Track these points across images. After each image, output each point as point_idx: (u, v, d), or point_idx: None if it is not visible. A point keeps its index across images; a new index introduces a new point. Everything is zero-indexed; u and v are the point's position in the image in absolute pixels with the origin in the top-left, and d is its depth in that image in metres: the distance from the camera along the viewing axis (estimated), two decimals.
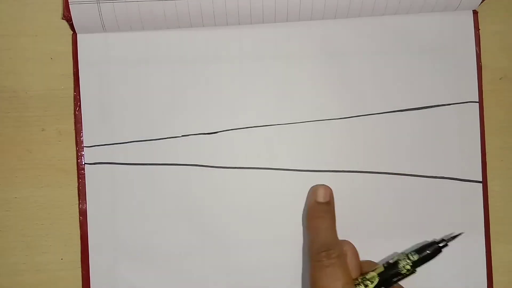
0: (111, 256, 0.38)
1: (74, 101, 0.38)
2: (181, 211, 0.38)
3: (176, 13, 0.37)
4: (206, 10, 0.37)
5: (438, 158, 0.39)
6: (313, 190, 0.37)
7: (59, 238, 0.38)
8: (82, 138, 0.38)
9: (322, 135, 0.38)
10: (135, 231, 0.38)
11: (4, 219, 0.38)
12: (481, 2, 0.38)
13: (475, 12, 0.39)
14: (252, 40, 0.38)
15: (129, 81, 0.38)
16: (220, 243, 0.38)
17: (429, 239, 0.36)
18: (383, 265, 0.34)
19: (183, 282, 0.38)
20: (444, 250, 0.35)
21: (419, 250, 0.34)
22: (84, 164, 0.38)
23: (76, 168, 0.38)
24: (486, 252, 0.38)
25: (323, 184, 0.37)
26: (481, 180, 0.39)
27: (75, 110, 0.38)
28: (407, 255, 0.34)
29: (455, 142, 0.39)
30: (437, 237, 0.36)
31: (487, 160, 0.39)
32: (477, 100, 0.39)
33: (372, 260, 0.37)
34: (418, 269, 0.34)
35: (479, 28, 0.39)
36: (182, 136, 0.38)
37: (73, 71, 0.38)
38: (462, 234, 0.36)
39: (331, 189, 0.37)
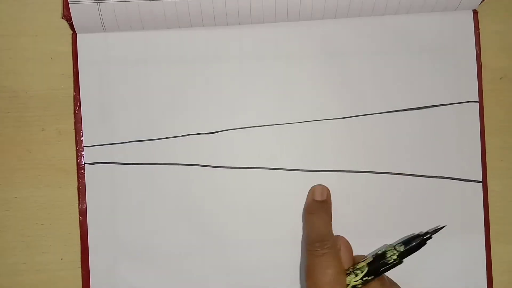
0: (111, 256, 0.38)
1: (74, 101, 0.38)
2: (181, 211, 0.38)
3: (176, 13, 0.37)
4: (206, 10, 0.37)
5: (438, 158, 0.39)
6: (312, 190, 0.38)
7: (59, 238, 0.38)
8: (82, 138, 0.38)
9: (322, 135, 0.38)
10: (135, 231, 0.38)
11: (4, 219, 0.38)
12: (481, 2, 0.38)
13: (475, 12, 0.39)
14: (252, 40, 0.38)
15: (129, 81, 0.38)
16: (220, 243, 0.38)
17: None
18: (372, 256, 0.36)
19: (183, 282, 0.38)
20: (444, 249, 0.36)
21: (406, 242, 0.36)
22: (84, 164, 0.38)
23: (76, 168, 0.38)
24: (486, 252, 0.38)
25: (321, 184, 0.38)
26: (481, 180, 0.39)
27: (75, 110, 0.38)
28: (394, 246, 0.35)
29: (455, 142, 0.39)
30: (436, 237, 0.36)
31: (487, 160, 0.39)
32: (477, 100, 0.39)
33: (364, 255, 0.38)
34: (418, 269, 0.35)
35: (479, 28, 0.39)
36: (182, 136, 0.38)
37: (73, 71, 0.38)
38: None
39: (328, 189, 0.38)
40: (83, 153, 0.38)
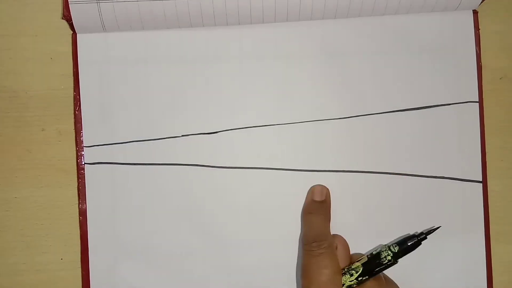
0: (111, 256, 0.38)
1: (74, 101, 0.38)
2: (181, 211, 0.38)
3: (176, 13, 0.37)
4: (206, 10, 0.37)
5: (438, 158, 0.39)
6: (311, 189, 0.38)
7: (59, 238, 0.38)
8: (82, 138, 0.38)
9: (322, 135, 0.38)
10: (135, 231, 0.38)
11: (4, 219, 0.38)
12: (481, 2, 0.38)
13: (475, 12, 0.39)
14: (252, 40, 0.38)
15: (129, 81, 0.38)
16: (220, 243, 0.38)
17: (429, 238, 0.36)
18: (367, 256, 0.36)
19: (183, 282, 0.38)
20: (444, 249, 0.36)
21: (400, 242, 0.36)
22: (84, 164, 0.38)
23: (76, 168, 0.38)
24: (486, 252, 0.38)
25: (321, 184, 0.38)
26: (481, 180, 0.39)
27: (75, 110, 0.38)
28: (389, 247, 0.36)
29: (455, 142, 0.39)
30: (436, 237, 0.36)
31: (487, 160, 0.39)
32: (477, 100, 0.39)
33: (362, 253, 0.38)
34: (418, 269, 0.35)
35: (479, 28, 0.39)
36: (182, 136, 0.38)
37: (73, 71, 0.38)
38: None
39: (328, 189, 0.38)
40: (83, 153, 0.38)
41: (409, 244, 0.35)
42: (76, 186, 0.38)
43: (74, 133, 0.38)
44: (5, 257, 0.38)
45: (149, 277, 0.38)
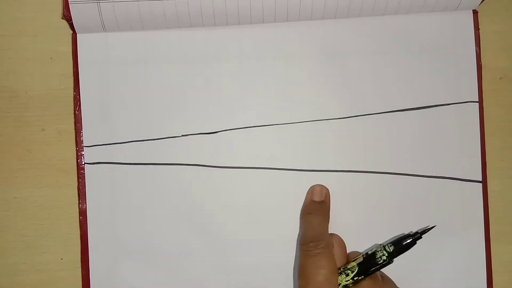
0: (111, 256, 0.38)
1: (74, 101, 0.38)
2: (181, 211, 0.38)
3: (176, 13, 0.37)
4: (206, 10, 0.37)
5: (438, 158, 0.39)
6: (311, 189, 0.38)
7: (59, 238, 0.38)
8: (82, 138, 0.38)
9: (322, 135, 0.38)
10: (135, 231, 0.38)
11: (4, 219, 0.38)
12: (481, 2, 0.38)
13: (475, 12, 0.39)
14: (252, 40, 0.38)
15: (129, 81, 0.38)
16: (219, 243, 0.38)
17: (429, 238, 0.36)
18: (363, 255, 0.36)
19: (183, 282, 0.38)
20: (444, 249, 0.36)
21: (395, 242, 0.36)
22: (84, 164, 0.38)
23: (76, 168, 0.38)
24: (486, 252, 0.38)
25: (321, 184, 0.38)
26: (481, 180, 0.39)
27: (75, 110, 0.38)
28: (384, 246, 0.35)
29: (455, 142, 0.39)
30: (436, 237, 0.36)
31: (487, 160, 0.39)
32: (477, 100, 0.39)
33: (359, 251, 0.38)
34: (418, 269, 0.35)
35: (479, 28, 0.39)
36: (182, 136, 0.38)
37: (73, 71, 0.38)
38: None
39: (327, 189, 0.38)
40: (83, 153, 0.38)
41: (404, 243, 0.35)
42: (76, 186, 0.38)
43: (74, 133, 0.38)
44: (5, 257, 0.38)
45: (149, 277, 0.38)
